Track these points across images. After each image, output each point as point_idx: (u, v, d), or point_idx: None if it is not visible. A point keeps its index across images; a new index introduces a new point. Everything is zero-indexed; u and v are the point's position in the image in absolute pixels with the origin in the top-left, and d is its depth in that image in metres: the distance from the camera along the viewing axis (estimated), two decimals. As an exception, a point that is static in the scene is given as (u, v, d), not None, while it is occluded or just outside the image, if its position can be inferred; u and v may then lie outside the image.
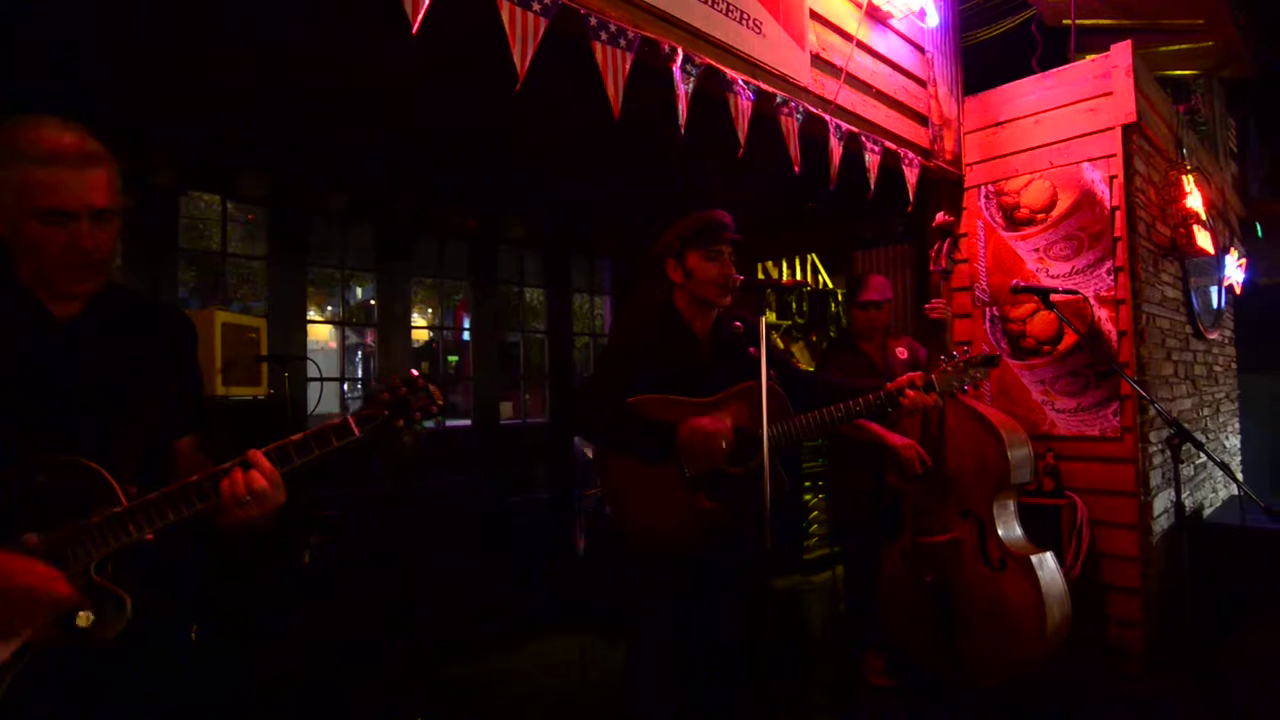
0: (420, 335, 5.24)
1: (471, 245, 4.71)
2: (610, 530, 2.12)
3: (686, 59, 2.28)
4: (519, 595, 4.13)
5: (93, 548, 1.17)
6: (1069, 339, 3.32)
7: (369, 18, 2.38)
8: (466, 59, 2.65)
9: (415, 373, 1.33)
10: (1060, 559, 3.02)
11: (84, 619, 1.15)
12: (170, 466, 1.38)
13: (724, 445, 1.99)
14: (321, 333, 8.49)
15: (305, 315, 3.98)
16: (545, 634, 3.84)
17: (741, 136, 2.46)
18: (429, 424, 1.38)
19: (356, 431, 1.28)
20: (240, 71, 2.75)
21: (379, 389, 1.33)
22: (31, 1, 2.23)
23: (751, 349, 2.19)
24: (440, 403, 1.34)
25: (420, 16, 1.68)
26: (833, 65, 2.92)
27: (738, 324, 2.26)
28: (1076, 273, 3.34)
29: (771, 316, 5.22)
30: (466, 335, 6.41)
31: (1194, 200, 3.60)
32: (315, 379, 3.72)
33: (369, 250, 4.35)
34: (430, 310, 8.69)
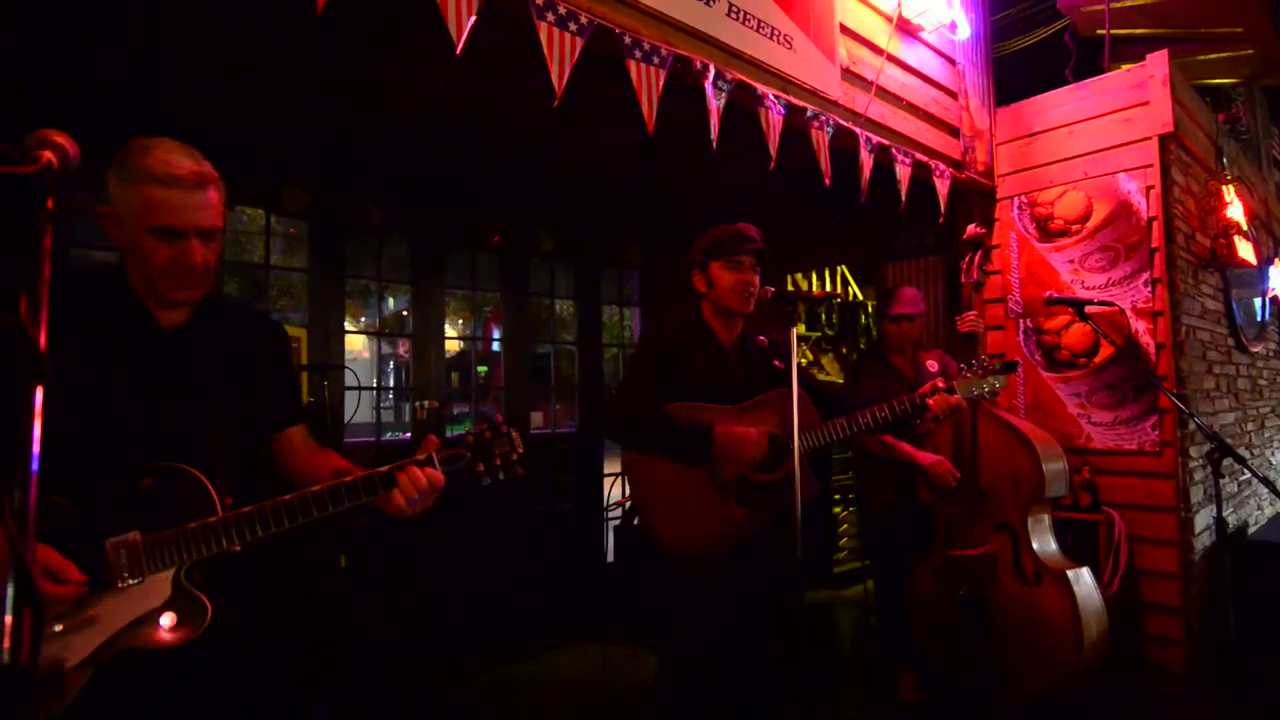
0: (453, 346, 5.33)
1: (503, 258, 4.79)
2: (639, 539, 2.13)
3: (718, 75, 2.33)
4: (547, 603, 4.16)
5: (185, 553, 1.22)
6: (1105, 351, 3.27)
7: (410, 37, 2.47)
8: (501, 76, 2.72)
9: (500, 418, 1.37)
10: (1098, 575, 2.97)
11: (169, 620, 1.21)
12: (281, 458, 1.49)
13: (759, 450, 2.03)
14: (355, 343, 8.66)
15: (343, 326, 4.08)
16: (572, 643, 3.86)
17: (773, 150, 2.49)
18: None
19: (439, 472, 1.32)
20: (285, 89, 2.86)
21: (466, 433, 1.37)
22: (91, 20, 2.35)
23: (777, 362, 2.26)
24: (521, 450, 1.37)
25: (464, 37, 1.74)
26: (863, 79, 2.94)
27: (762, 339, 2.32)
28: (1113, 284, 3.30)
29: (801, 328, 5.22)
30: (496, 346, 6.49)
31: (1235, 210, 3.54)
32: (353, 388, 3.81)
33: (404, 262, 4.45)
34: (462, 321, 8.84)
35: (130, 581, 1.20)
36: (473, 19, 1.75)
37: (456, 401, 5.10)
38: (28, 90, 2.68)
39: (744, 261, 2.18)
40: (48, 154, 0.80)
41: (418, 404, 4.29)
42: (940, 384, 2.21)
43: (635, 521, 2.24)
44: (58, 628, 1.14)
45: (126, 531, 1.21)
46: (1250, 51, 3.50)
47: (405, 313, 5.15)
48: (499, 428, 1.36)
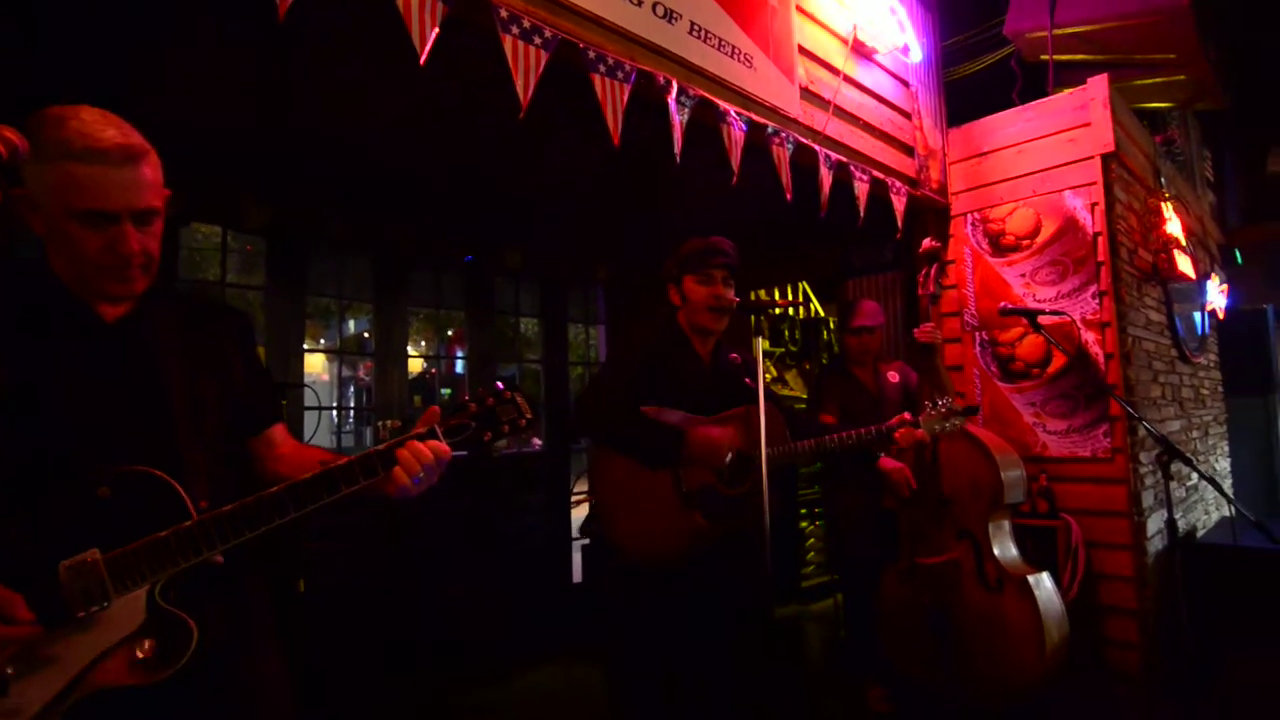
0: (415, 365, 5.26)
1: (468, 275, 4.76)
2: (601, 547, 2.12)
3: (681, 91, 2.37)
4: (515, 624, 4.09)
5: (158, 568, 1.06)
6: (1058, 362, 3.38)
7: (376, 48, 2.46)
8: (468, 91, 2.73)
9: (500, 384, 1.25)
10: (1057, 580, 3.03)
11: (144, 649, 1.05)
12: (262, 461, 1.34)
13: (727, 456, 2.03)
14: (315, 364, 8.49)
15: (303, 345, 4.00)
16: (538, 664, 3.79)
17: (735, 165, 2.53)
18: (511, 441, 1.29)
19: (444, 443, 1.21)
20: (244, 102, 2.82)
21: (466, 400, 1.25)
22: (34, 20, 2.29)
23: (748, 380, 2.29)
24: (529, 415, 1.25)
25: (428, 48, 1.74)
26: (821, 98, 3.02)
27: (734, 356, 2.36)
28: (1063, 297, 3.41)
29: (766, 344, 5.29)
30: (460, 366, 6.42)
31: (1174, 226, 3.71)
32: (313, 407, 3.73)
33: (366, 281, 4.40)
34: (425, 341, 8.73)
35: (93, 608, 1.03)
36: (435, 30, 1.75)
37: (415, 417, 5.02)
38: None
39: (715, 275, 2.22)
40: (1, 147, 0.77)
41: (380, 423, 4.21)
42: (908, 417, 2.27)
43: (595, 527, 2.21)
44: (9, 670, 0.98)
45: (83, 550, 1.03)
46: (1183, 77, 3.70)
47: (367, 334, 5.06)
48: (501, 394, 1.24)
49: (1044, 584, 2.72)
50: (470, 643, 3.80)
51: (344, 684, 3.18)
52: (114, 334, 1.16)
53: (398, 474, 1.17)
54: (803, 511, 5.20)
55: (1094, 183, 3.35)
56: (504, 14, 1.90)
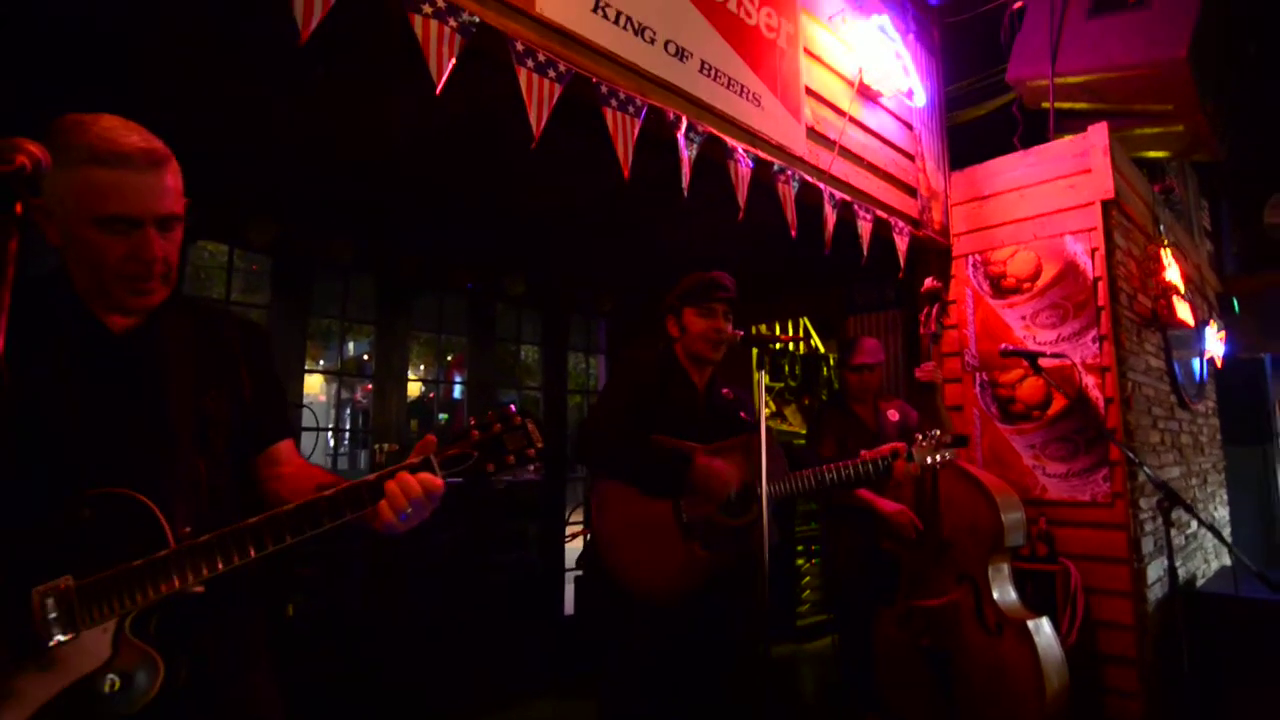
0: (414, 389, 5.25)
1: (471, 301, 4.78)
2: (598, 578, 2.08)
3: (690, 126, 2.41)
4: (506, 656, 4.02)
5: (127, 599, 1.00)
6: (1058, 404, 3.38)
7: (390, 77, 2.50)
8: (480, 121, 2.77)
9: (512, 408, 1.18)
10: (1056, 626, 2.99)
11: (109, 685, 0.98)
12: (264, 480, 1.29)
13: (732, 490, 2.04)
14: (313, 385, 8.47)
15: (304, 365, 4.00)
16: (532, 697, 3.72)
17: (741, 200, 2.56)
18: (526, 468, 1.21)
19: (438, 477, 1.12)
20: (258, 121, 2.85)
21: (470, 425, 1.17)
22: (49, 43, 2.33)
23: (742, 414, 2.33)
24: (539, 445, 1.17)
25: (444, 79, 1.78)
26: (826, 138, 3.07)
27: (726, 391, 2.39)
28: (1063, 340, 3.43)
29: (766, 379, 5.29)
30: (458, 391, 6.40)
31: (1173, 273, 3.74)
32: (310, 428, 3.71)
33: (369, 303, 4.41)
34: (424, 366, 8.73)
35: (61, 639, 0.97)
36: (453, 61, 1.79)
37: (412, 442, 4.99)
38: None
39: (716, 309, 2.25)
40: (22, 157, 0.78)
41: (377, 446, 4.19)
42: (901, 449, 2.31)
43: (592, 556, 2.17)
44: None
45: (58, 576, 0.98)
46: (1180, 128, 3.76)
47: (366, 356, 5.07)
48: (511, 419, 1.16)
49: (1044, 629, 2.68)
50: (459, 674, 3.73)
51: (329, 713, 3.11)
52: (120, 347, 1.13)
53: (383, 508, 1.10)
54: (799, 549, 5.16)
55: (1094, 228, 3.39)
56: (520, 48, 1.94)
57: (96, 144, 1.03)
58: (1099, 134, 3.39)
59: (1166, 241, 3.87)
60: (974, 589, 2.74)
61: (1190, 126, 3.71)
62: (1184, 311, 3.76)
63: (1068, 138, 3.56)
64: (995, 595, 2.71)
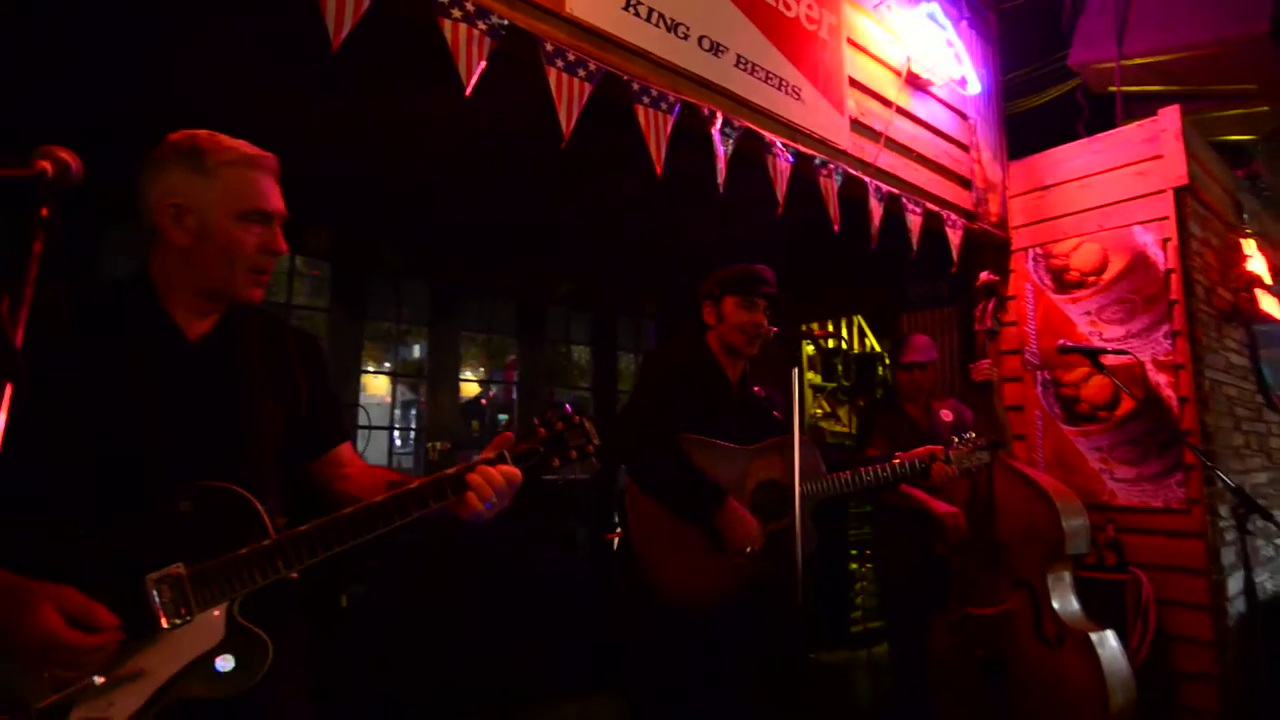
0: (469, 390, 5.36)
1: (520, 304, 4.86)
2: (633, 582, 2.05)
3: (726, 122, 2.38)
4: (554, 654, 4.05)
5: (238, 584, 1.08)
6: (1126, 404, 3.19)
7: (428, 85, 2.56)
8: (519, 124, 2.81)
9: (569, 408, 1.28)
10: (1125, 640, 2.82)
11: (225, 664, 1.06)
12: (328, 481, 1.36)
13: (753, 545, 2.00)
14: (379, 387, 8.78)
15: (360, 365, 4.14)
16: (582, 695, 3.74)
17: (780, 196, 2.52)
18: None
19: (514, 468, 1.22)
20: (309, 131, 2.96)
21: (535, 425, 1.27)
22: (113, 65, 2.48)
23: (776, 413, 2.29)
24: (596, 441, 1.27)
25: (473, 82, 1.80)
26: (872, 130, 2.98)
27: (759, 389, 2.35)
28: (1132, 336, 3.23)
29: (818, 379, 5.18)
30: (514, 393, 6.51)
31: (1257, 264, 3.48)
32: (364, 426, 3.84)
33: (423, 307, 4.54)
34: (482, 368, 8.91)
35: (177, 621, 1.04)
36: (482, 64, 1.82)
37: (472, 447, 5.09)
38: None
39: (758, 303, 2.21)
40: (44, 163, 0.83)
41: (430, 445, 4.30)
42: (939, 453, 2.26)
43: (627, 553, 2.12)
44: (98, 680, 0.98)
45: (167, 564, 1.05)
46: (1265, 109, 3.50)
47: (419, 355, 5.21)
48: (571, 418, 1.26)
49: (1108, 642, 2.53)
50: (507, 670, 3.78)
51: (374, 702, 3.20)
52: (197, 354, 1.21)
53: (470, 498, 1.19)
54: (853, 553, 5.02)
55: (1166, 217, 3.19)
56: (549, 48, 1.96)
57: (240, 149, 1.20)
58: (1170, 117, 3.19)
59: (1249, 230, 3.61)
60: (1032, 597, 2.60)
61: (1276, 106, 3.45)
62: (1270, 305, 3.49)
63: (1136, 123, 3.36)
64: (1055, 604, 2.57)
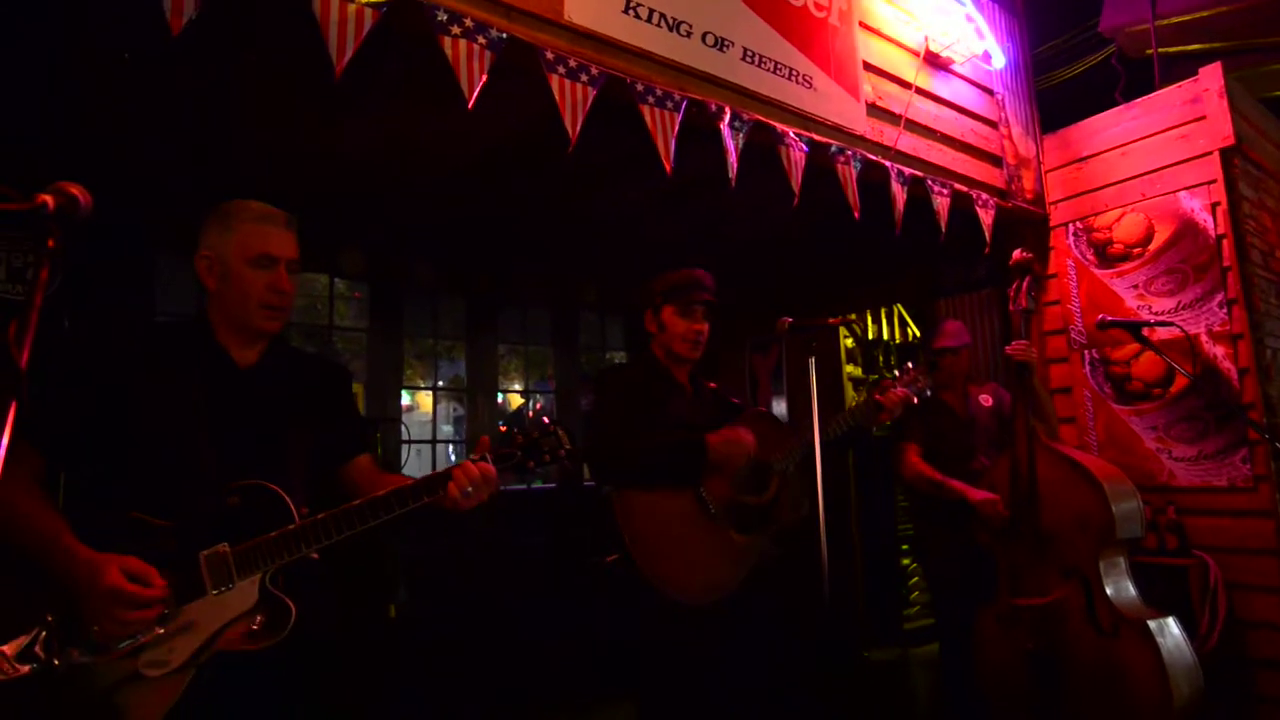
0: (515, 400, 5.42)
1: (552, 313, 4.91)
2: (633, 590, 2.01)
3: (734, 116, 2.36)
4: (595, 659, 4.06)
5: (269, 560, 1.34)
6: (1181, 380, 3.03)
7: (442, 103, 2.62)
8: (534, 135, 2.84)
9: (546, 419, 1.49)
10: (1192, 628, 2.68)
11: (256, 623, 1.33)
12: (350, 484, 1.60)
13: (752, 449, 2.03)
14: (425, 403, 8.97)
15: (400, 382, 4.25)
16: (615, 701, 3.74)
17: (795, 186, 2.49)
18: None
19: (491, 465, 1.43)
20: (336, 156, 3.07)
21: (515, 432, 1.48)
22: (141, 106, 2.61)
23: (734, 399, 2.32)
24: (569, 446, 1.48)
25: (475, 94, 1.84)
26: (890, 113, 2.92)
27: (712, 384, 2.37)
28: (1183, 308, 3.08)
29: (857, 371, 5.08)
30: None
31: (1319, 224, 3.27)
32: (406, 440, 3.94)
33: (459, 322, 4.63)
34: (521, 381, 9.05)
35: (222, 588, 1.33)
36: (484, 78, 1.86)
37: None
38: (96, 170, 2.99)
39: (696, 310, 2.20)
40: (45, 197, 0.89)
41: (471, 457, 4.37)
42: (886, 381, 2.30)
43: (626, 565, 2.08)
44: (159, 630, 1.28)
45: (216, 544, 1.34)
46: (1321, 59, 3.30)
47: (460, 373, 5.31)
48: (545, 427, 1.48)
49: (1169, 630, 2.40)
50: (549, 675, 3.80)
51: (426, 705, 3.27)
52: (245, 379, 1.50)
53: (450, 488, 1.40)
54: (904, 548, 4.90)
55: (1214, 180, 3.03)
56: (550, 56, 1.99)
57: (256, 208, 1.51)
58: (1212, 75, 3.03)
59: (1310, 188, 3.40)
60: (1084, 585, 2.49)
61: (1331, 55, 3.25)
62: (1337, 266, 3.27)
63: (1175, 85, 3.20)
64: (1109, 591, 2.46)
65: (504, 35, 1.91)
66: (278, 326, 1.52)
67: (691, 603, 1.98)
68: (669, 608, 1.96)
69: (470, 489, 1.40)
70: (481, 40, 1.87)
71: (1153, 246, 3.19)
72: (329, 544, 1.37)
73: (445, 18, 1.81)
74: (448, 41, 1.82)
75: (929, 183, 2.95)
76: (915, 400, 2.27)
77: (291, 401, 1.52)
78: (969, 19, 3.20)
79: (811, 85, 2.67)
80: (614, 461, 2.06)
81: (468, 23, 1.85)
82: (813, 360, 1.89)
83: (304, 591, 1.39)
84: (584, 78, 2.05)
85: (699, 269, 2.25)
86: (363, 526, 1.38)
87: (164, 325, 1.56)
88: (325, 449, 1.57)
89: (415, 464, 4.58)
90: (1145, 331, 2.54)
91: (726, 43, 2.42)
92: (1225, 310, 2.97)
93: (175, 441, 1.37)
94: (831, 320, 1.93)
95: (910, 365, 2.39)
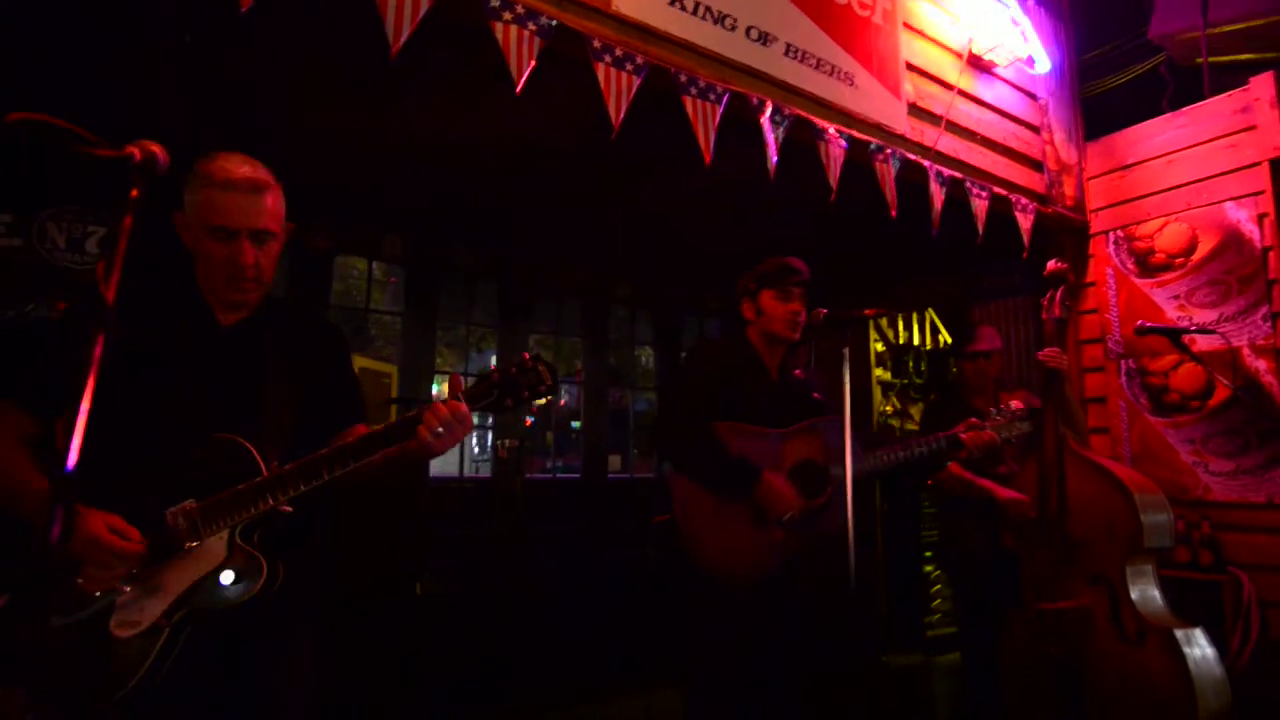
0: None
1: (584, 304, 4.97)
2: (679, 561, 2.12)
3: (776, 110, 2.39)
4: (619, 647, 4.10)
5: (236, 514, 1.29)
6: (1221, 392, 2.98)
7: (491, 90, 2.68)
8: (577, 127, 2.89)
9: (526, 355, 1.38)
10: (1224, 644, 2.64)
11: (226, 577, 1.29)
12: None
13: (789, 512, 2.05)
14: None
15: (433, 365, 4.34)
16: (646, 689, 3.76)
17: (833, 182, 2.51)
18: (539, 402, 1.43)
19: (465, 406, 1.34)
20: (380, 143, 3.15)
21: (490, 370, 1.41)
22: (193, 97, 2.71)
23: (815, 394, 2.32)
24: (549, 382, 1.36)
25: (523, 80, 1.90)
26: (931, 114, 2.92)
27: (799, 372, 2.39)
28: (1226, 320, 3.03)
29: (887, 375, 5.05)
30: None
31: (1373, 240, 3.18)
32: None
33: (492, 309, 4.71)
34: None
35: (190, 545, 1.28)
36: (532, 63, 1.91)
37: (538, 449, 5.23)
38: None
39: (794, 292, 2.25)
40: (133, 148, 0.95)
41: (499, 442, 4.45)
42: (975, 421, 2.29)
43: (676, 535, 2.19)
44: (127, 589, 1.25)
45: (183, 500, 1.29)
46: (1380, 71, 3.21)
47: (493, 360, 5.39)
48: (524, 363, 1.37)
49: (1197, 640, 2.37)
50: (574, 661, 3.85)
51: (451, 684, 3.34)
52: (226, 337, 1.43)
53: (420, 431, 1.32)
54: (927, 554, 4.86)
55: (1262, 191, 2.97)
56: (597, 44, 2.04)
57: (215, 173, 1.35)
58: (1264, 85, 2.98)
59: (1365, 203, 3.31)
60: (1110, 591, 2.46)
61: (1391, 67, 3.16)
62: (1390, 284, 3.19)
63: (1225, 94, 3.15)
64: (1135, 599, 2.43)
65: (554, 22, 1.96)
66: (251, 298, 1.43)
67: (721, 579, 2.04)
68: (706, 581, 2.06)
69: (440, 429, 1.31)
70: (532, 26, 1.92)
71: (1196, 257, 3.14)
72: (297, 495, 1.30)
73: (498, 3, 1.87)
74: (499, 27, 1.88)
75: (968, 184, 2.94)
76: (997, 441, 2.28)
77: (276, 358, 1.44)
78: (1014, 22, 3.18)
79: (853, 83, 2.68)
80: (672, 453, 2.21)
81: (519, 9, 1.90)
82: (847, 351, 1.90)
83: (285, 554, 1.34)
84: (629, 67, 2.09)
85: (792, 257, 2.31)
86: (330, 476, 1.30)
87: (155, 284, 1.42)
88: (315, 411, 1.49)
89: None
90: (1185, 339, 2.49)
91: (770, 37, 2.45)
92: (1270, 324, 2.91)
93: (149, 397, 1.32)
94: (868, 311, 1.94)
95: (1014, 405, 2.36)
